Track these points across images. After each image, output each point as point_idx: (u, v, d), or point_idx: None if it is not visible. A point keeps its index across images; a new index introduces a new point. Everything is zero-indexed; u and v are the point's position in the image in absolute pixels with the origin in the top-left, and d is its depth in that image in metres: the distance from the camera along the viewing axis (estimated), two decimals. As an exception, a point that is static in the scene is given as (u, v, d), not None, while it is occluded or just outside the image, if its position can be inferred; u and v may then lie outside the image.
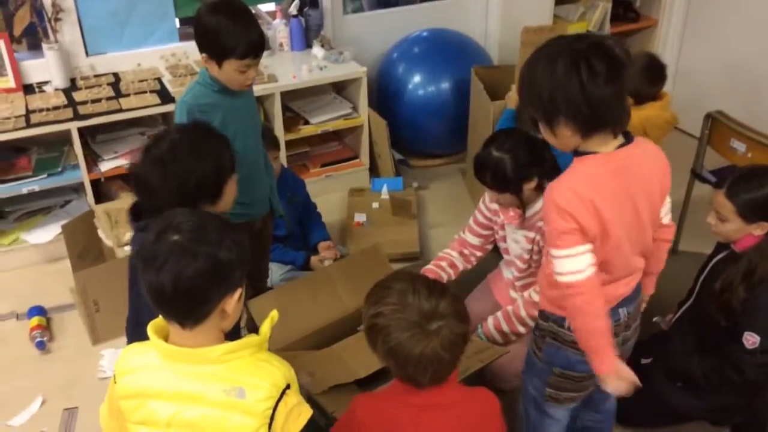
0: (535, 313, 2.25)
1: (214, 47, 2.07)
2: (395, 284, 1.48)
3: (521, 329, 2.36)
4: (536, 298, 2.29)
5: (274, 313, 1.40)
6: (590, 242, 1.58)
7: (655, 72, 2.88)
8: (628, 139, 1.59)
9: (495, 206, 2.50)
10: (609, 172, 1.56)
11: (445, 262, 2.60)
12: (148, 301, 1.32)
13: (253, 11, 3.59)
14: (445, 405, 1.52)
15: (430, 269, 2.60)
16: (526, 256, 2.42)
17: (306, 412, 1.37)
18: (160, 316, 1.36)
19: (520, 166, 2.24)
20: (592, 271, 1.58)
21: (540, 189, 2.28)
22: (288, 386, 1.34)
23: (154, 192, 1.72)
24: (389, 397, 1.56)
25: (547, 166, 2.28)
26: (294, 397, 1.35)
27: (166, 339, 1.35)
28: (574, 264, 1.58)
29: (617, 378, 1.63)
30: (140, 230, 1.71)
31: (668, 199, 1.77)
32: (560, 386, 1.85)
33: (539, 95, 1.52)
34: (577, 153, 1.59)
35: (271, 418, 1.31)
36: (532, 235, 2.37)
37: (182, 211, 1.33)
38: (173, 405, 1.31)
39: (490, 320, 2.44)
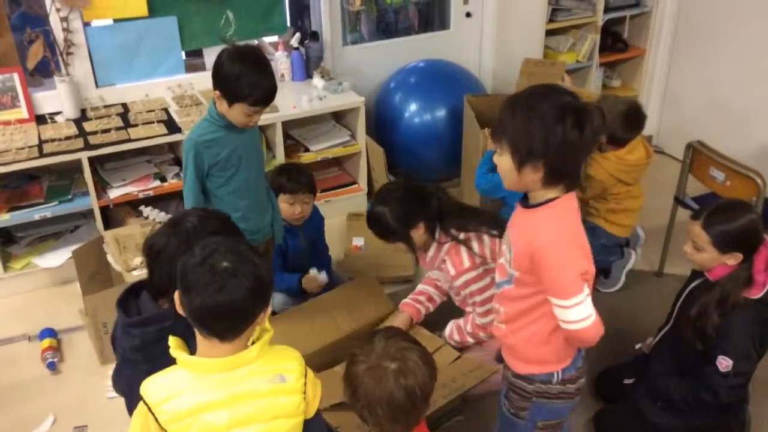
0: (478, 332, 2.51)
1: (230, 91, 2.22)
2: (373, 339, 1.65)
3: (469, 340, 2.57)
4: (479, 321, 2.52)
5: (267, 310, 1.55)
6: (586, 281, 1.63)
7: (633, 119, 2.87)
8: None
9: None
10: (575, 211, 1.66)
11: (424, 297, 2.76)
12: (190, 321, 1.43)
13: (257, 42, 3.75)
14: None
15: (408, 303, 2.74)
16: (452, 291, 2.64)
17: (319, 381, 1.62)
18: (171, 341, 1.48)
19: (399, 217, 2.44)
20: (594, 310, 1.64)
21: (430, 232, 2.47)
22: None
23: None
24: None
25: (433, 212, 2.47)
26: (311, 371, 1.60)
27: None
28: (585, 309, 1.61)
29: None
30: (134, 325, 1.69)
31: None
32: None
33: (524, 136, 1.53)
34: (545, 201, 1.62)
35: (304, 391, 1.55)
36: (443, 274, 2.57)
37: (216, 240, 1.46)
38: (228, 410, 1.46)
39: (447, 329, 2.65)
